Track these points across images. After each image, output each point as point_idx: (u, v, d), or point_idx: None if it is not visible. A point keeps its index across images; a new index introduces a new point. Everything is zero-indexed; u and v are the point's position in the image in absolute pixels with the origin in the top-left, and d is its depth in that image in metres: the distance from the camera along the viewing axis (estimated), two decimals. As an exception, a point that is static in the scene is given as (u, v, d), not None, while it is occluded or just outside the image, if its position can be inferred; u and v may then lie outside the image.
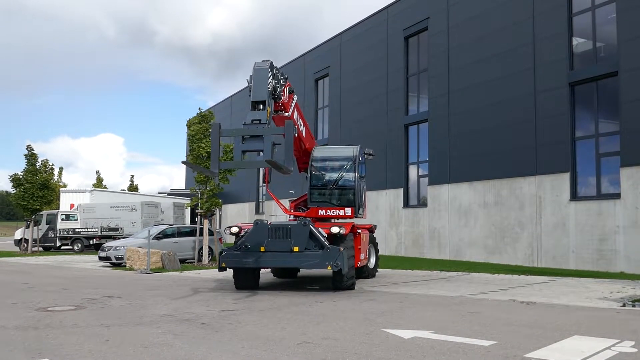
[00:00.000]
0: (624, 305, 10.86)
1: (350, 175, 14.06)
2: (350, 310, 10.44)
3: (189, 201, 28.78)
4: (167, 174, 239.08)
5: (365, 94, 31.60)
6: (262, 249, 12.91)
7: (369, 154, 15.70)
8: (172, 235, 24.37)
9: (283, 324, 9.05)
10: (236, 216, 47.08)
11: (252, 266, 13.20)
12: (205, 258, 22.96)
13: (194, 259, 23.57)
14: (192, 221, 38.47)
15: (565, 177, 19.68)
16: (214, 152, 11.88)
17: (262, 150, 11.45)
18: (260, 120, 11.46)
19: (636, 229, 17.29)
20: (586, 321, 9.17)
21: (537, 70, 20.97)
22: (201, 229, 23.38)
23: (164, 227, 25.50)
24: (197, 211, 23.96)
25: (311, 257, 12.70)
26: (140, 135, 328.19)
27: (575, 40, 20.36)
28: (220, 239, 25.19)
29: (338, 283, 13.37)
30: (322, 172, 14.29)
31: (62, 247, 35.95)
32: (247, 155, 11.92)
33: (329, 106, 35.82)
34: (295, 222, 13.19)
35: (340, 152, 15.41)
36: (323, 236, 12.85)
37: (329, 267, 12.52)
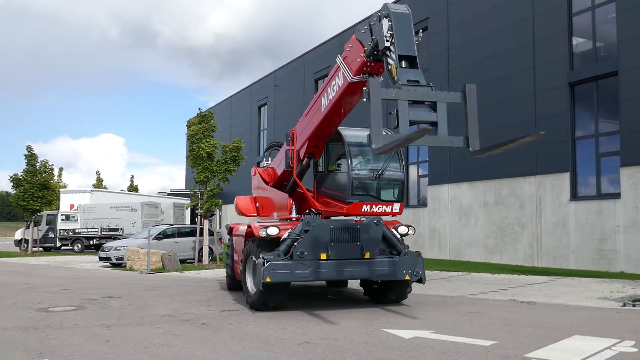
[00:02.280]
0: (624, 305, 10.85)
1: (396, 165, 11.06)
2: (350, 310, 10.44)
3: (189, 201, 28.78)
4: (167, 174, 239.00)
5: (365, 94, 31.52)
6: (324, 256, 9.87)
7: None
8: (172, 236, 24.36)
9: (283, 324, 9.05)
10: (236, 216, 47.00)
11: (310, 280, 10.14)
12: (206, 258, 22.95)
13: (194, 259, 23.56)
14: (192, 221, 38.48)
15: (566, 177, 19.68)
16: (376, 121, 8.03)
17: (434, 123, 8.12)
18: (418, 81, 8.47)
19: (636, 229, 17.28)
20: (586, 321, 9.17)
21: (537, 70, 20.97)
22: (201, 229, 23.37)
23: (164, 227, 25.50)
24: (197, 211, 23.96)
25: (385, 265, 10.24)
26: (141, 136, 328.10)
27: (575, 40, 20.35)
28: (220, 239, 25.18)
29: (398, 295, 11.23)
30: (363, 159, 11.08)
31: (62, 248, 35.95)
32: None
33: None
34: (366, 221, 10.40)
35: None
36: (397, 238, 10.60)
37: (407, 277, 10.27)
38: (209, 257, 23.22)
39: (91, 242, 34.19)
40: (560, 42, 20.12)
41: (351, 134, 11.26)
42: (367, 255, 10.11)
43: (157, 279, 17.46)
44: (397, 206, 10.86)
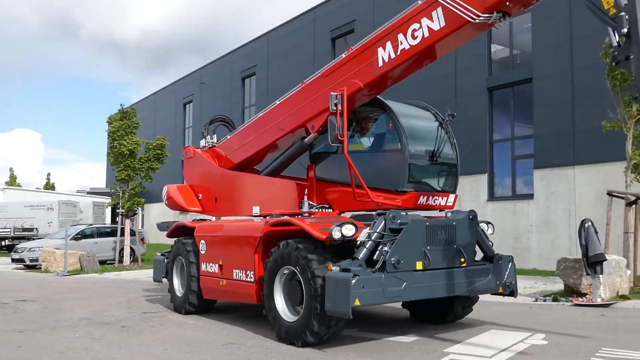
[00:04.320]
0: (536, 300, 11.45)
1: (449, 147, 8.77)
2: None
3: (110, 200, 27.88)
4: (87, 172, 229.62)
5: (292, 93, 31.59)
6: (419, 265, 7.32)
7: (452, 115, 9.28)
8: (91, 236, 23.50)
9: (208, 325, 8.94)
10: (160, 216, 45.92)
11: (404, 299, 7.93)
12: (127, 259, 22.31)
13: (114, 260, 22.85)
14: (113, 221, 37.26)
15: (484, 178, 20.49)
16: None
17: None
18: None
19: (547, 228, 18.24)
20: (501, 316, 9.59)
21: (457, 75, 21.71)
22: (122, 229, 22.70)
23: (83, 227, 24.58)
24: (118, 211, 23.25)
25: (482, 275, 7.99)
26: (60, 132, 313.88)
27: (494, 47, 21.25)
28: (142, 239, 24.54)
29: (464, 310, 8.90)
30: (414, 137, 8.42)
31: (-29, 249, 33.90)
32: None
33: (255, 105, 35.61)
34: (460, 216, 8.03)
35: (421, 112, 9.24)
36: (487, 238, 8.57)
37: (500, 289, 8.22)
38: (130, 258, 22.59)
39: (3, 242, 32.43)
40: (480, 49, 20.93)
41: (395, 105, 8.71)
42: (464, 262, 7.80)
43: (75, 281, 16.79)
44: (452, 198, 8.66)
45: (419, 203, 8.24)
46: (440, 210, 8.54)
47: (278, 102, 9.87)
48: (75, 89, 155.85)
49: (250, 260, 8.58)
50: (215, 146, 11.39)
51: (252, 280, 8.55)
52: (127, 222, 22.54)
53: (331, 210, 8.66)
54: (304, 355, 6.85)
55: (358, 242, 7.23)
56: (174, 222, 11.53)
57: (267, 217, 8.86)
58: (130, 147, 21.85)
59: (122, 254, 22.65)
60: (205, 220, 11.14)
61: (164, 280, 11.30)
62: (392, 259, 6.94)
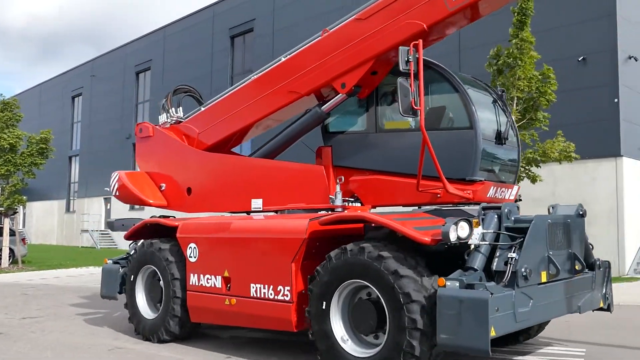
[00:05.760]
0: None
1: (512, 133, 7.17)
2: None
3: (-13, 198, 25.95)
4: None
5: (189, 90, 31.02)
6: (544, 276, 5.71)
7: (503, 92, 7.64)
8: (-36, 236, 21.75)
9: (93, 330, 8.57)
10: (43, 215, 43.39)
11: (532, 323, 5.99)
12: (5, 261, 20.90)
13: (-9, 261, 21.32)
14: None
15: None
16: None
17: None
18: None
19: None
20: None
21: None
22: (1, 229, 21.22)
23: (-45, 226, 22.70)
24: (-4, 209, 21.73)
25: (585, 286, 6.39)
26: None
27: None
28: (23, 239, 23.08)
29: (533, 329, 7.06)
30: (484, 113, 6.74)
31: None
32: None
33: (150, 101, 34.58)
34: (570, 212, 6.50)
35: (476, 83, 7.30)
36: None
37: (601, 303, 6.67)
38: (10, 259, 21.18)
39: None
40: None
41: (466, 81, 6.87)
42: (580, 270, 6.23)
43: (-56, 285, 15.47)
44: (515, 190, 7.23)
45: (488, 197, 6.59)
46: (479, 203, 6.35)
47: (284, 59, 7.82)
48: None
49: (284, 271, 6.38)
50: (182, 122, 8.96)
51: (287, 298, 6.33)
52: (7, 221, 21.15)
53: (360, 204, 6.95)
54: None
55: (472, 246, 5.48)
56: (135, 219, 9.08)
57: (307, 214, 6.75)
58: (10, 141, 20.48)
59: (1, 255, 21.18)
60: (191, 218, 8.14)
61: (119, 296, 8.71)
62: (523, 269, 5.27)
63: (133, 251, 8.58)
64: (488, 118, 6.77)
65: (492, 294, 4.94)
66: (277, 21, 26.23)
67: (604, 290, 6.64)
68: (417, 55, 5.85)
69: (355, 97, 7.04)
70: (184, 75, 31.44)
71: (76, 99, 41.62)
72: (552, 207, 6.62)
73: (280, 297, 6.39)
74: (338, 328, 5.81)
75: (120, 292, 8.62)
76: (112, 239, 35.47)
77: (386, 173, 6.73)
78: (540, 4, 13.98)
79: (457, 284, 5.08)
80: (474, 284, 5.05)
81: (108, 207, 36.80)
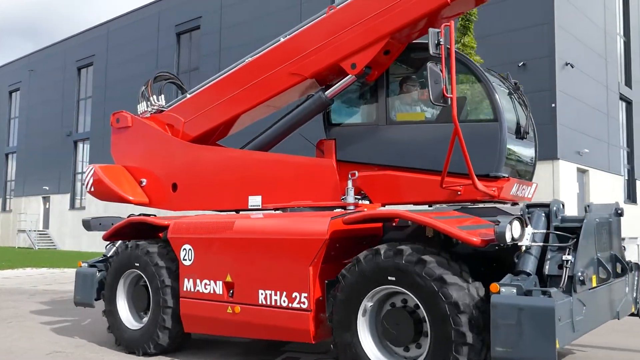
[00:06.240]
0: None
1: (530, 127, 6.71)
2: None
3: None
4: None
5: (134, 87, 30.30)
6: (594, 280, 5.22)
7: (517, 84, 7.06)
8: None
9: (31, 334, 8.26)
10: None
11: (584, 332, 5.17)
12: None
13: None
14: None
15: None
16: None
17: None
18: None
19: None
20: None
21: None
22: None
23: None
24: None
25: (622, 290, 5.88)
26: None
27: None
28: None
29: None
30: (507, 105, 6.30)
31: None
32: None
33: (92, 97, 33.65)
34: (609, 211, 5.91)
35: (500, 79, 6.80)
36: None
37: (633, 308, 6.08)
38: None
39: None
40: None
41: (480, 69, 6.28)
42: (621, 273, 5.83)
43: None
44: (533, 188, 6.81)
45: (511, 195, 6.15)
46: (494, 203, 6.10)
47: (284, 39, 7.18)
48: None
49: (301, 276, 5.67)
50: (164, 111, 8.20)
51: (304, 306, 5.64)
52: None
53: (368, 202, 6.43)
54: (138, 361, 6.62)
55: (523, 248, 4.90)
56: (114, 217, 8.24)
57: (317, 212, 6.27)
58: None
59: None
60: (180, 216, 7.32)
61: (96, 302, 7.79)
62: (579, 273, 4.77)
63: (111, 253, 7.80)
64: (509, 111, 6.29)
65: (557, 301, 4.38)
66: (224, 19, 26.01)
67: (635, 294, 6.08)
68: (449, 37, 5.26)
69: (362, 86, 6.58)
70: (128, 72, 30.78)
71: (13, 94, 40.11)
72: (588, 206, 5.84)
73: (295, 305, 5.68)
74: (365, 338, 5.21)
75: (97, 299, 7.72)
76: (50, 240, 34.31)
77: (398, 169, 6.20)
78: (482, 10, 14.41)
79: (514, 290, 4.46)
80: (532, 290, 4.47)
81: (47, 207, 35.60)
